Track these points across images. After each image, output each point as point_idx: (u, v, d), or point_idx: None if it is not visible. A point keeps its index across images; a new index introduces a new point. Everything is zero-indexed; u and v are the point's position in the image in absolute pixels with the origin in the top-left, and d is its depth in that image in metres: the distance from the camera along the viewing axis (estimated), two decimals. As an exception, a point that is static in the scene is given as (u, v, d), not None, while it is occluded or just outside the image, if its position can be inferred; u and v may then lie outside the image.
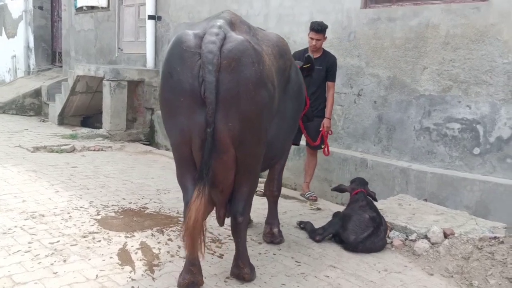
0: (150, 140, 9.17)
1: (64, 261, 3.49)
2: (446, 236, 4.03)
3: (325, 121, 5.48)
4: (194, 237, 2.86)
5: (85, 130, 8.82)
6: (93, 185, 5.55)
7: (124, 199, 5.11)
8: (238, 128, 2.88)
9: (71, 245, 3.77)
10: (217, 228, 4.17)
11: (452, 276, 3.58)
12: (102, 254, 3.64)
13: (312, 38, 5.30)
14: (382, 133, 5.75)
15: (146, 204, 5.00)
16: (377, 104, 5.76)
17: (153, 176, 6.32)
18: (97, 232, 4.09)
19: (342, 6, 6.06)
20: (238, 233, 3.19)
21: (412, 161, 5.46)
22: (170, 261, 3.61)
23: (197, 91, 2.82)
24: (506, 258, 3.48)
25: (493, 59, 4.79)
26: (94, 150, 7.75)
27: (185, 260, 3.20)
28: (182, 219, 4.53)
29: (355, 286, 3.40)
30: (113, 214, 4.59)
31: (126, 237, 4.03)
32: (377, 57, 5.74)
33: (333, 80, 5.48)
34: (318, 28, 5.25)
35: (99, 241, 3.91)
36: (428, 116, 5.32)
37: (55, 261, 3.46)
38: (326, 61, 5.41)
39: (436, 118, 5.26)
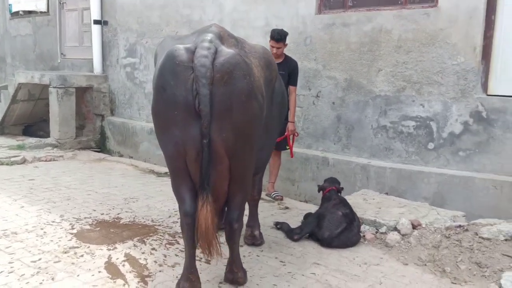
0: (101, 147, 8.97)
1: (52, 279, 3.43)
2: (414, 227, 4.33)
3: (289, 125, 5.67)
4: (209, 241, 2.97)
5: (32, 140, 8.48)
6: (58, 198, 5.42)
7: (94, 210, 5.04)
8: (232, 139, 2.97)
9: (55, 262, 3.71)
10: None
11: (425, 264, 3.87)
12: (89, 269, 3.62)
13: (272, 47, 5.46)
14: (342, 132, 6.02)
15: (118, 214, 4.96)
16: (336, 105, 6.03)
17: (116, 184, 6.24)
18: (78, 247, 4.03)
19: (297, 11, 6.26)
20: (233, 239, 3.29)
21: (371, 158, 5.77)
22: (160, 271, 3.65)
23: (191, 104, 2.88)
24: (472, 245, 3.81)
25: (443, 61, 5.17)
26: (46, 161, 7.54)
27: (183, 268, 3.28)
28: (159, 228, 4.60)
29: (341, 281, 3.60)
30: (88, 227, 4.53)
31: (109, 249, 4.01)
32: (333, 60, 6.00)
33: (295, 84, 5.67)
34: (278, 38, 5.42)
35: (82, 255, 3.86)
36: (385, 115, 5.65)
37: (43, 280, 3.40)
38: (288, 66, 5.58)
39: (392, 117, 5.59)
